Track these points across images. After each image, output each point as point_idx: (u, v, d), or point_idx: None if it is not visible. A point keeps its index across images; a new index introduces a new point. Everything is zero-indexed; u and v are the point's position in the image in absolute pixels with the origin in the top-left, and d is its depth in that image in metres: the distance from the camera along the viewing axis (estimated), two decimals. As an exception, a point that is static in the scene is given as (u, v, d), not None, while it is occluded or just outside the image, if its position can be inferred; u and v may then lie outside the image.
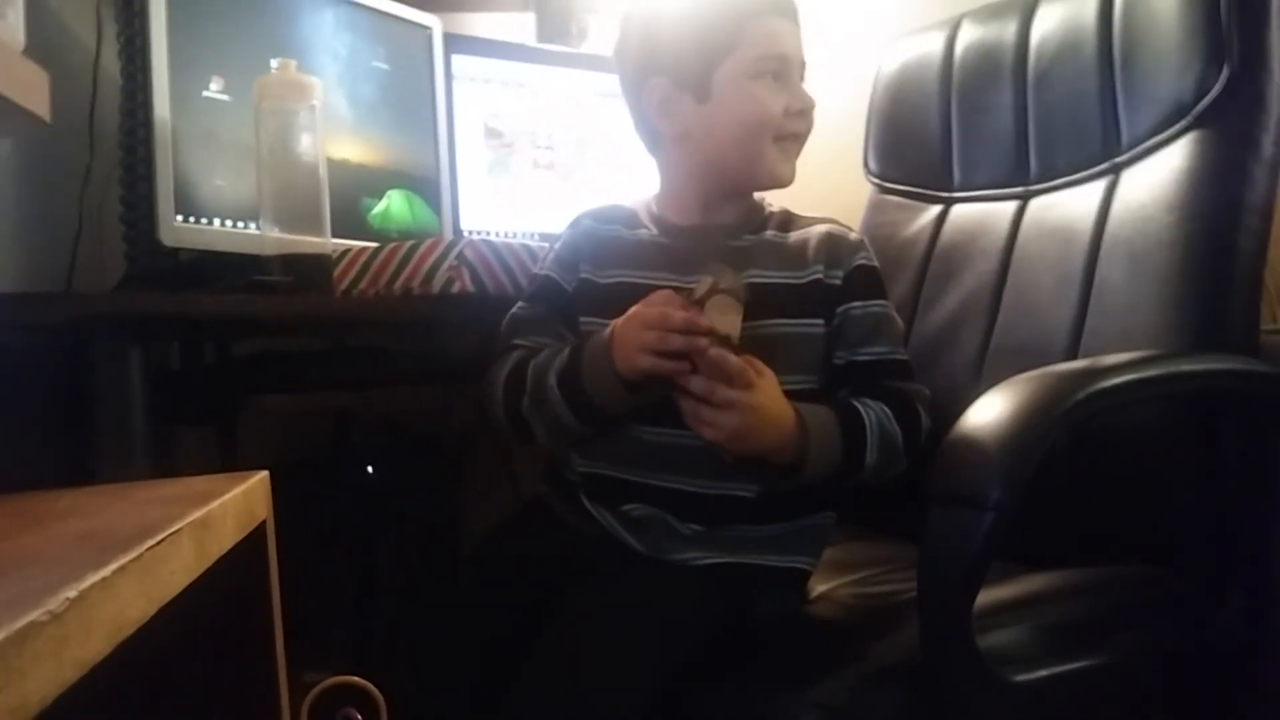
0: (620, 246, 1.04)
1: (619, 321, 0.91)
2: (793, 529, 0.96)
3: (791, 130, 1.00)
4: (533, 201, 1.59)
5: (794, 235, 1.02)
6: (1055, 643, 0.83)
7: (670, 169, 1.07)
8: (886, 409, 0.93)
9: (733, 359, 0.86)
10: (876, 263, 1.03)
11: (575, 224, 1.09)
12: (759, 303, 0.93)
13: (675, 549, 0.94)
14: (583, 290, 1.03)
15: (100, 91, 1.25)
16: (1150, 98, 1.05)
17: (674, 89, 1.01)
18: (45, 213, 1.23)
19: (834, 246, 1.00)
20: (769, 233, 1.02)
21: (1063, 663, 0.82)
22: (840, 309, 0.99)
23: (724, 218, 1.03)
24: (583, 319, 1.01)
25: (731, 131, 0.99)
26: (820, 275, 0.99)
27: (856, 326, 0.99)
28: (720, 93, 0.99)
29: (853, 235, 1.03)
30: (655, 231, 1.05)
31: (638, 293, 0.94)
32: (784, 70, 0.99)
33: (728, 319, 0.87)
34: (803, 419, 0.89)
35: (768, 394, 0.88)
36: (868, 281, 1.01)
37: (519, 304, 1.06)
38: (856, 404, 0.93)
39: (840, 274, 0.99)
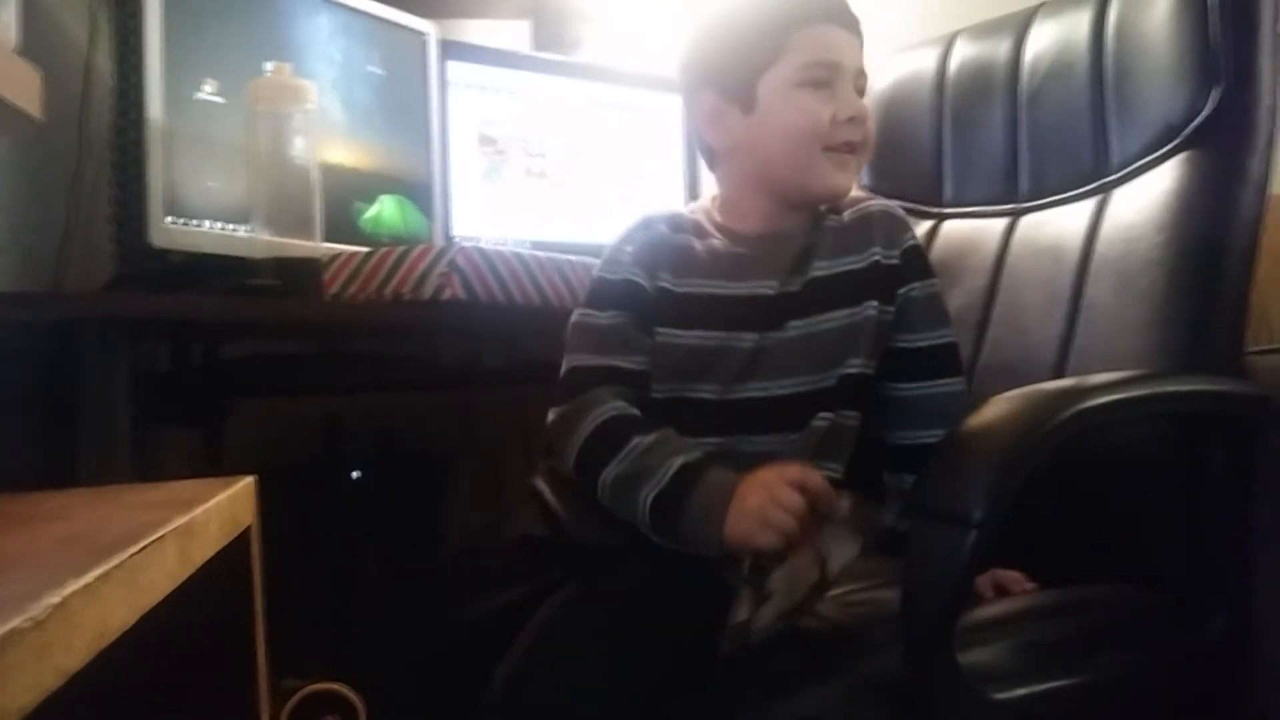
0: (695, 255, 1.01)
1: (751, 483, 0.84)
2: None
3: (843, 139, 0.98)
4: (525, 209, 1.59)
5: (851, 216, 1.03)
6: (1037, 661, 0.83)
7: (727, 181, 1.07)
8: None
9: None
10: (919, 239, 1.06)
11: (648, 227, 1.03)
12: (829, 294, 0.97)
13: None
14: (663, 298, 0.99)
15: (92, 91, 1.25)
16: (1141, 118, 1.06)
17: (721, 101, 1.00)
18: (35, 212, 1.23)
19: (889, 224, 1.02)
20: (829, 220, 1.03)
21: (1044, 681, 0.82)
22: (902, 291, 1.01)
23: (788, 224, 1.03)
24: (661, 329, 0.98)
25: (778, 142, 0.99)
26: (879, 256, 1.00)
27: (919, 310, 1.01)
28: (766, 103, 0.98)
29: (900, 212, 1.05)
30: (725, 240, 1.03)
31: (717, 303, 0.96)
32: (832, 78, 0.97)
33: (844, 548, 0.83)
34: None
35: None
36: (922, 260, 1.04)
37: (593, 311, 0.99)
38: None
39: (897, 253, 1.01)
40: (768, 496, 0.81)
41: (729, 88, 1.00)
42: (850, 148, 1.00)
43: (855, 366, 0.96)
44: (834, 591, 1.00)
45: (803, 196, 1.02)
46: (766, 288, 0.99)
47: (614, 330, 0.98)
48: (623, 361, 0.97)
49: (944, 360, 1.02)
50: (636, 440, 0.89)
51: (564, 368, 0.99)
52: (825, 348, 0.96)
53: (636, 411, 0.93)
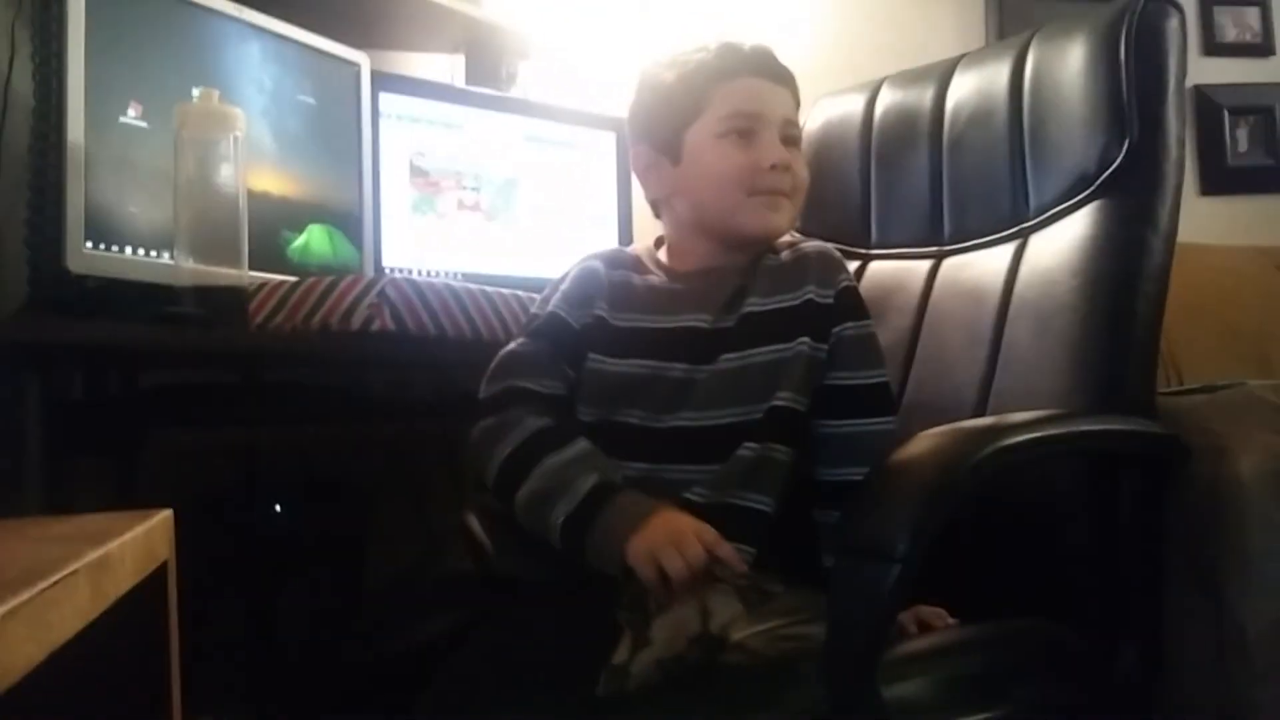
0: (633, 291, 1.06)
1: (666, 519, 0.88)
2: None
3: (767, 185, 1.03)
4: (457, 241, 1.58)
5: (788, 256, 1.07)
6: (958, 695, 0.85)
7: (669, 224, 1.12)
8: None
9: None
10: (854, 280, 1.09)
11: (583, 265, 1.09)
12: (761, 329, 0.99)
13: None
14: (596, 329, 1.03)
15: (10, 111, 1.22)
16: (1056, 167, 1.10)
17: (654, 153, 1.08)
18: (-54, 233, 1.19)
19: (824, 265, 1.05)
20: (767, 259, 1.06)
21: (965, 714, 0.83)
22: (835, 330, 1.03)
23: (726, 262, 1.06)
24: (593, 356, 1.02)
25: (702, 190, 1.05)
26: (813, 295, 1.03)
27: (851, 349, 1.03)
28: (691, 154, 1.04)
29: (836, 254, 1.08)
30: (664, 278, 1.08)
31: (650, 335, 1.00)
32: (754, 127, 1.03)
33: (729, 609, 0.86)
34: None
35: None
36: (856, 301, 1.06)
37: (519, 339, 1.04)
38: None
39: (831, 293, 1.04)
40: (674, 539, 0.85)
41: (659, 141, 1.07)
42: (779, 193, 1.04)
43: (784, 400, 0.98)
44: (760, 627, 1.01)
45: (736, 238, 1.06)
46: (699, 321, 1.02)
47: (527, 355, 1.02)
48: (532, 384, 1.00)
49: (875, 399, 1.03)
50: (551, 459, 0.93)
51: (481, 392, 1.02)
52: (755, 381, 0.98)
53: (551, 424, 0.96)
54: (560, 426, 0.97)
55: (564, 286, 1.07)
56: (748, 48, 1.06)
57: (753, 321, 1.01)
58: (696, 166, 1.04)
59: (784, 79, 1.07)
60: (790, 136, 1.06)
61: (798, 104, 1.09)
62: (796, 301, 1.02)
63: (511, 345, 1.04)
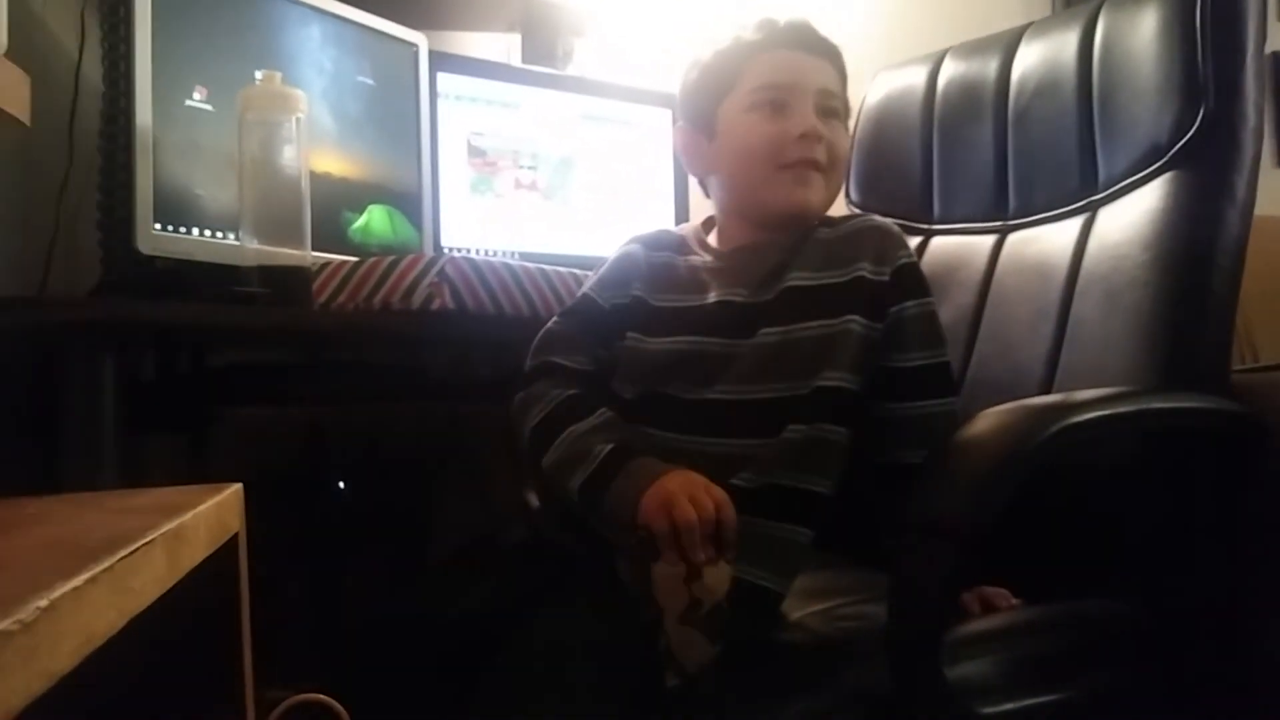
0: (674, 272, 1.07)
1: (679, 474, 0.88)
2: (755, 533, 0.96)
3: (798, 156, 1.02)
4: (514, 220, 1.59)
5: (843, 230, 1.04)
6: (1024, 676, 0.83)
7: (716, 204, 1.13)
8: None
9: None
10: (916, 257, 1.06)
11: (623, 249, 1.11)
12: (804, 304, 0.98)
13: None
14: (635, 309, 1.05)
15: (81, 97, 1.25)
16: (1127, 137, 1.07)
17: (692, 131, 1.09)
18: (22, 217, 1.22)
19: (882, 241, 1.01)
20: (819, 232, 1.04)
21: (1031, 696, 0.82)
22: (894, 309, 0.99)
23: (765, 240, 1.05)
24: (631, 334, 1.03)
25: (735, 164, 1.05)
26: (866, 272, 0.99)
27: (912, 329, 0.99)
28: (724, 129, 1.05)
29: (895, 230, 1.04)
30: (707, 257, 1.08)
31: (689, 313, 1.01)
32: (786, 99, 1.02)
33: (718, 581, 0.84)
34: None
35: None
36: (916, 279, 1.02)
37: (554, 319, 1.08)
38: None
39: (888, 270, 1.00)
40: (687, 489, 0.85)
41: (696, 118, 1.08)
42: (811, 164, 1.02)
43: (833, 380, 0.95)
44: (819, 606, 1.00)
45: (765, 214, 1.06)
46: (736, 295, 1.02)
47: (559, 333, 1.06)
48: (562, 359, 1.04)
49: (937, 380, 1.01)
50: (574, 428, 0.95)
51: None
52: (798, 357, 0.96)
53: (576, 394, 0.99)
54: (585, 397, 0.99)
55: (602, 270, 1.10)
56: (784, 21, 1.05)
57: (795, 296, 1.00)
58: (728, 141, 1.05)
59: (822, 50, 1.06)
60: (828, 108, 1.04)
61: (842, 75, 1.08)
62: (846, 278, 0.99)
63: (549, 324, 1.07)
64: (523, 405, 1.01)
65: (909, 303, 1.00)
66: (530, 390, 1.02)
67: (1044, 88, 1.17)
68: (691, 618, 0.81)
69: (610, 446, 0.92)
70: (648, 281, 1.06)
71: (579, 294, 1.09)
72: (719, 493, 0.85)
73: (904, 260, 1.01)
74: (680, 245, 1.10)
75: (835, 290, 0.99)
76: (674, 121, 1.14)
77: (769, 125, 1.01)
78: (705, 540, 0.82)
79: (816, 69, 1.04)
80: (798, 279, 1.00)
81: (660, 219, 1.68)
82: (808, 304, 0.98)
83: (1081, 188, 1.11)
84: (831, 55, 1.06)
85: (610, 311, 1.06)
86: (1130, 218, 1.04)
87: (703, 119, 1.07)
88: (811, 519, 0.93)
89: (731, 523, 0.84)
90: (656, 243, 1.11)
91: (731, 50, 1.05)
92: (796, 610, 1.00)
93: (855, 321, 0.97)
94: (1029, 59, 1.20)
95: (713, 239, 1.11)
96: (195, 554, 0.58)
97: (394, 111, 1.44)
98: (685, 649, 0.81)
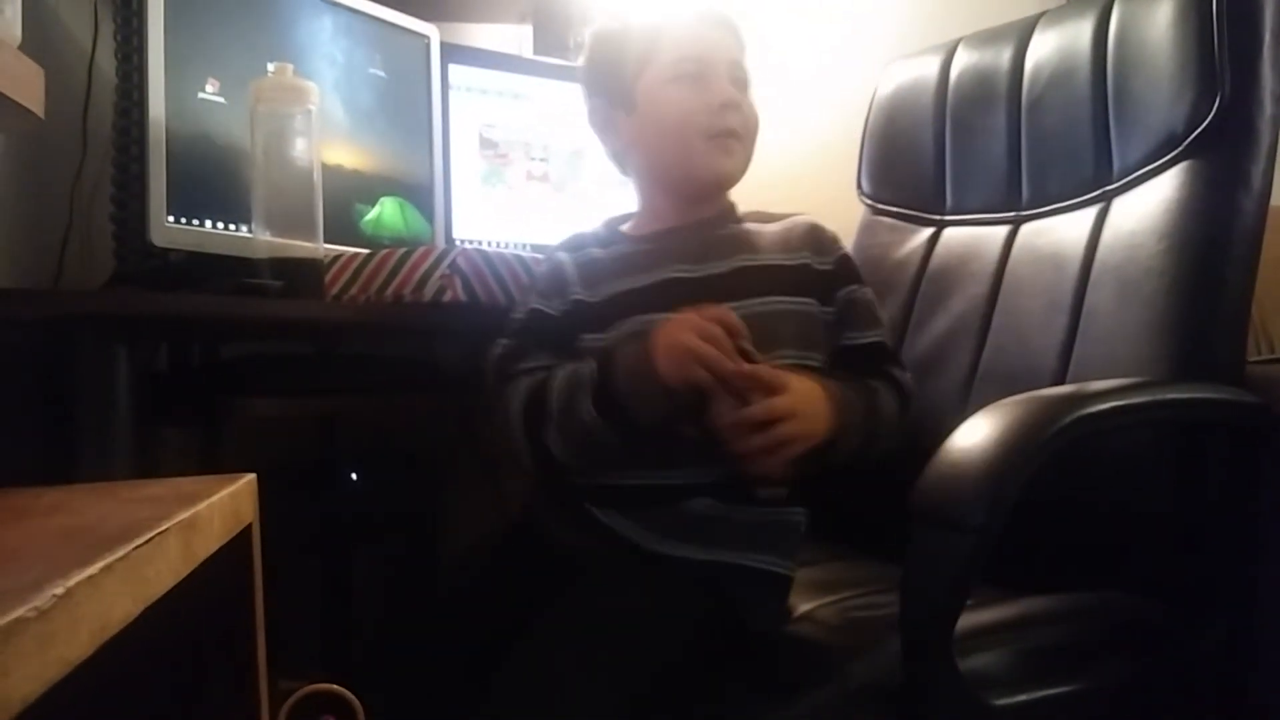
0: (602, 264, 1.07)
1: (661, 332, 0.89)
2: (760, 519, 0.96)
3: (721, 126, 1.03)
4: (526, 213, 1.59)
5: (773, 226, 1.08)
6: (1036, 667, 0.83)
7: (636, 185, 1.13)
8: (893, 394, 0.99)
9: (765, 369, 0.88)
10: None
11: (549, 259, 1.11)
12: (759, 281, 1.00)
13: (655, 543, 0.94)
14: (579, 312, 1.04)
15: (95, 89, 1.25)
16: (1142, 126, 1.06)
17: (609, 108, 1.09)
18: (36, 209, 1.23)
19: (817, 236, 1.07)
20: (749, 225, 1.08)
21: (1044, 688, 0.82)
22: (842, 293, 1.04)
23: (692, 219, 1.08)
24: (585, 336, 1.02)
25: (658, 136, 1.06)
26: (809, 261, 1.04)
27: (860, 310, 1.04)
28: (643, 102, 1.06)
29: (828, 227, 1.08)
30: (631, 242, 1.09)
31: (635, 295, 1.00)
32: (703, 71, 1.04)
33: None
34: (833, 397, 0.91)
35: (800, 391, 0.89)
36: (854, 267, 1.08)
37: (502, 341, 1.04)
38: (874, 384, 0.99)
39: (830, 260, 1.05)
40: (688, 326, 0.87)
41: (613, 93, 1.08)
42: (731, 133, 1.04)
43: (801, 358, 0.97)
44: (830, 598, 1.01)
45: (691, 185, 1.08)
46: (678, 271, 1.02)
47: (518, 352, 1.03)
48: (526, 366, 1.01)
49: (882, 356, 1.04)
50: (553, 387, 0.95)
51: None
52: (758, 332, 0.93)
53: (541, 376, 0.98)
54: (549, 370, 0.98)
55: (538, 284, 1.09)
56: None
57: (750, 274, 1.01)
58: (652, 111, 1.05)
59: (726, 23, 1.08)
60: (739, 79, 1.07)
61: (743, 47, 1.10)
62: (794, 262, 1.03)
63: (498, 349, 1.04)
64: (500, 412, 1.00)
65: (854, 286, 1.06)
66: (499, 404, 1.00)
67: (1058, 77, 1.16)
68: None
69: (592, 364, 0.94)
70: (582, 282, 1.05)
71: (522, 312, 1.06)
72: (708, 310, 0.89)
73: (841, 251, 1.07)
74: (599, 240, 1.11)
75: (788, 271, 1.03)
76: (584, 98, 1.13)
77: (692, 96, 1.03)
78: (732, 353, 0.87)
79: (725, 41, 1.07)
80: (748, 259, 1.03)
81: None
82: (765, 280, 1.01)
83: (1096, 178, 1.10)
84: (734, 28, 1.09)
85: (560, 318, 1.05)
86: (1145, 208, 1.04)
87: (619, 93, 1.07)
88: (803, 499, 0.97)
89: (738, 325, 0.88)
90: (576, 244, 1.11)
91: (643, 26, 1.07)
92: (806, 603, 1.00)
93: (812, 304, 1.02)
94: (1043, 48, 1.19)
95: (629, 227, 1.12)
96: (209, 544, 0.58)
97: (405, 103, 1.45)
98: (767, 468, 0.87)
